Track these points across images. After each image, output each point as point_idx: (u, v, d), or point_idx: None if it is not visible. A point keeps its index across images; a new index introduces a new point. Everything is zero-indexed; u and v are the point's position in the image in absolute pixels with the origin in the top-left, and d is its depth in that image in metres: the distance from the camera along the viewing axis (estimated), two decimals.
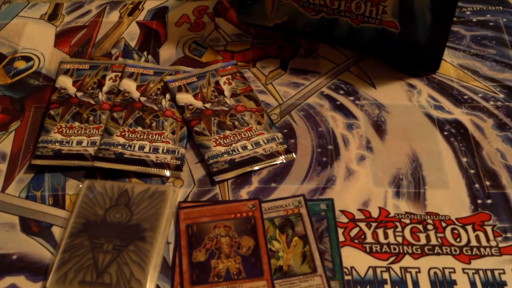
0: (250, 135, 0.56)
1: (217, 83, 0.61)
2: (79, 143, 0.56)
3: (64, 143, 0.56)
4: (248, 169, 0.54)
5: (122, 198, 0.51)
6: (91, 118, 0.58)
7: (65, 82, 0.62)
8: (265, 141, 0.56)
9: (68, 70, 0.63)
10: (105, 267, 0.46)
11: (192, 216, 0.50)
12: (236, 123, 0.57)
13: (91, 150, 0.55)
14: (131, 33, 0.68)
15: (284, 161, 0.54)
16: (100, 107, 0.59)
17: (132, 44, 0.67)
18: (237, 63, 0.64)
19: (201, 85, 0.61)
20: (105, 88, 0.61)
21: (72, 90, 0.61)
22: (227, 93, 0.60)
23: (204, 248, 0.48)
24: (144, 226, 0.49)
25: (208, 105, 0.59)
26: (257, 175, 0.53)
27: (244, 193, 0.52)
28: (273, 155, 0.55)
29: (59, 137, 0.56)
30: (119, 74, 0.62)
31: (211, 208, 0.51)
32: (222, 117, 0.58)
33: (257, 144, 0.55)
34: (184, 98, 0.59)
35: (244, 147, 0.55)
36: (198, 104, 0.59)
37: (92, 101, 0.59)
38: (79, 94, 0.60)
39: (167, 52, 0.66)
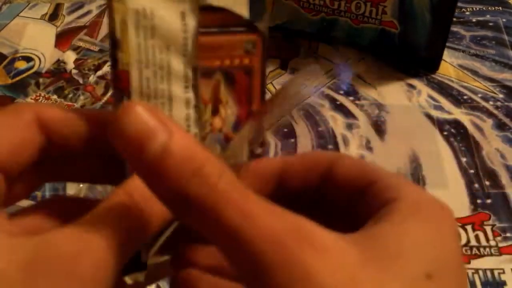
0: None
1: None
2: None
3: None
4: None
5: None
6: (70, 95, 0.58)
7: (69, 57, 0.62)
8: None
9: (78, 47, 0.64)
10: None
11: None
12: None
13: None
14: None
15: None
16: (84, 88, 0.59)
17: None
18: None
19: None
20: (99, 72, 0.62)
21: (70, 66, 0.62)
22: None
23: None
24: None
25: None
26: None
27: None
28: None
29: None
30: None
31: None
32: None
33: None
34: None
35: None
36: None
37: (81, 81, 0.60)
38: (74, 71, 0.61)
39: None
